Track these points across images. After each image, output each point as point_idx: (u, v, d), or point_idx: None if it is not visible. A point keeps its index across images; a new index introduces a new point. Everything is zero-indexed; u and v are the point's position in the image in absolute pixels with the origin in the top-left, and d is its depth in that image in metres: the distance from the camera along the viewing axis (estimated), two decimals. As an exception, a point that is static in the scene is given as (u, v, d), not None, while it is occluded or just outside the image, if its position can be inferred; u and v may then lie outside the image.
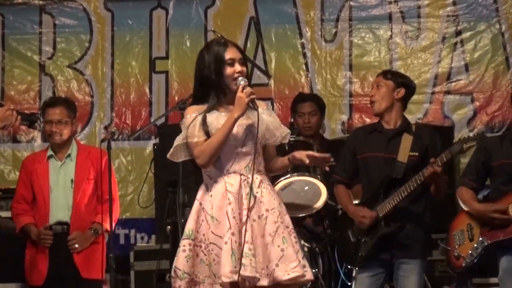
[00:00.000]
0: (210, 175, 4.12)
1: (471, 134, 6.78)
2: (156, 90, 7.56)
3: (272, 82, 7.40)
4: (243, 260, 3.93)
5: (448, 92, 7.28)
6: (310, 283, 5.54)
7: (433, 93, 7.28)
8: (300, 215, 5.78)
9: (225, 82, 4.09)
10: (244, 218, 4.00)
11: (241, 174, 4.08)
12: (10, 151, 7.59)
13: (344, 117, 7.36)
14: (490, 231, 4.87)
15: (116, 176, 7.21)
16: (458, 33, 7.28)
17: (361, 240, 5.06)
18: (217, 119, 4.07)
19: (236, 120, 4.02)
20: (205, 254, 4.05)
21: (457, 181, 6.87)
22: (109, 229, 5.38)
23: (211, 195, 4.08)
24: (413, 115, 7.17)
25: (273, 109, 7.35)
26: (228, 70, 4.09)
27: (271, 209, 4.08)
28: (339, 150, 5.88)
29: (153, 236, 7.21)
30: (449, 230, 5.13)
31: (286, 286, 4.05)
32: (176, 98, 7.36)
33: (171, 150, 4.15)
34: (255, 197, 4.06)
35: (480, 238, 4.89)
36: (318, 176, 5.69)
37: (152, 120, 7.33)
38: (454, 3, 7.29)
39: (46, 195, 5.56)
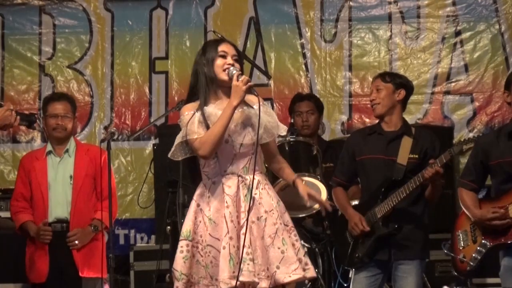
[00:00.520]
0: (208, 175, 4.11)
1: (471, 135, 6.82)
2: (156, 90, 7.56)
3: (271, 82, 7.39)
4: (241, 265, 3.92)
5: (447, 93, 7.28)
6: (310, 282, 5.57)
7: (432, 93, 7.28)
8: (300, 215, 5.79)
9: (215, 72, 4.08)
10: (242, 221, 4.00)
11: (238, 176, 4.07)
12: (10, 151, 7.60)
13: (344, 117, 7.36)
14: (492, 234, 4.87)
15: (116, 177, 7.23)
16: (457, 33, 7.29)
17: (359, 240, 5.07)
18: (215, 112, 4.05)
19: (234, 108, 3.98)
20: (201, 256, 4.04)
21: (456, 181, 6.91)
22: (108, 226, 5.37)
23: (208, 196, 4.08)
24: (413, 116, 7.18)
25: (272, 109, 7.34)
26: (219, 60, 4.09)
27: (270, 211, 4.08)
28: (337, 151, 5.90)
29: (153, 236, 7.20)
30: (454, 229, 5.12)
31: (284, 285, 4.05)
32: (176, 98, 7.36)
33: (172, 149, 4.13)
34: (253, 198, 4.05)
35: (483, 241, 4.89)
36: (318, 176, 5.70)
37: (151, 120, 7.33)
38: (453, 4, 7.29)
39: (45, 191, 5.55)
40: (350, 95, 7.36)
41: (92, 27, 7.62)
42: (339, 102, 7.38)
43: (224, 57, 4.10)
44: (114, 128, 6.59)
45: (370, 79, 6.76)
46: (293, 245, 4.07)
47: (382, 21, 7.40)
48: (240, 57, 4.20)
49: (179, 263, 4.06)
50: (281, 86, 7.45)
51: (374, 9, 7.41)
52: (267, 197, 4.10)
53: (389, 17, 7.39)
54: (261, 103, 4.04)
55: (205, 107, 4.07)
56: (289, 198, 4.87)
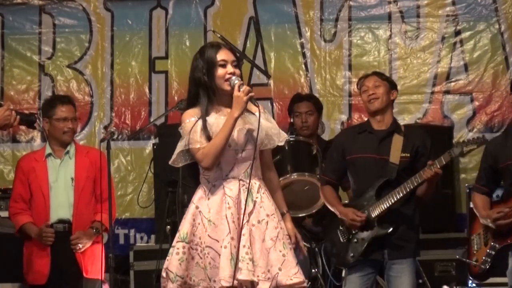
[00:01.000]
0: (209, 179, 4.11)
1: (470, 136, 6.81)
2: (156, 90, 7.56)
3: (271, 82, 7.39)
4: (240, 264, 3.93)
5: (447, 92, 7.27)
6: (310, 282, 5.58)
7: (432, 93, 7.27)
8: (300, 215, 5.80)
9: (216, 83, 4.07)
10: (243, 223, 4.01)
11: (239, 180, 4.07)
12: (10, 151, 7.60)
13: (344, 117, 7.36)
14: (501, 236, 4.90)
15: (116, 176, 7.24)
16: (457, 33, 7.28)
17: (352, 240, 5.06)
18: (216, 121, 4.05)
19: (236, 119, 3.99)
20: (201, 257, 4.04)
21: (456, 180, 6.92)
22: (108, 228, 5.38)
23: (208, 199, 4.07)
24: (413, 115, 7.19)
25: (272, 109, 7.36)
26: (220, 71, 4.07)
27: (271, 214, 4.09)
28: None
29: (153, 236, 7.21)
30: (470, 232, 5.18)
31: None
32: (176, 98, 7.36)
33: (173, 157, 4.12)
34: (254, 202, 4.06)
35: (492, 243, 4.92)
36: (318, 176, 5.70)
37: (151, 120, 7.33)
38: (453, 3, 7.28)
39: (46, 193, 5.55)
40: (350, 95, 7.36)
41: (92, 26, 7.62)
42: (338, 101, 7.38)
43: (224, 66, 4.08)
44: (114, 128, 6.60)
45: (370, 78, 6.76)
46: (291, 250, 4.10)
47: (381, 21, 7.39)
48: (239, 60, 4.19)
49: (175, 265, 4.06)
50: (281, 86, 7.45)
51: (374, 8, 7.41)
52: (267, 201, 4.11)
53: (389, 17, 7.38)
54: (261, 111, 4.06)
55: (206, 117, 4.06)
56: (289, 197, 4.87)
